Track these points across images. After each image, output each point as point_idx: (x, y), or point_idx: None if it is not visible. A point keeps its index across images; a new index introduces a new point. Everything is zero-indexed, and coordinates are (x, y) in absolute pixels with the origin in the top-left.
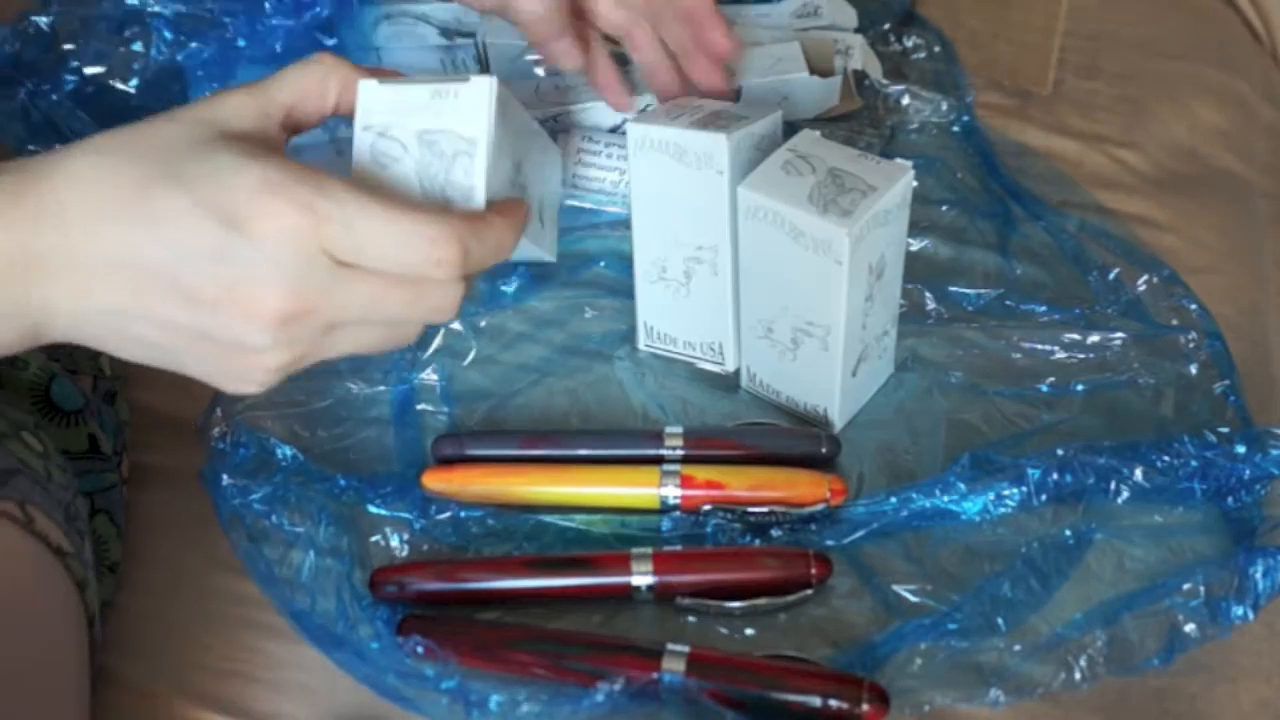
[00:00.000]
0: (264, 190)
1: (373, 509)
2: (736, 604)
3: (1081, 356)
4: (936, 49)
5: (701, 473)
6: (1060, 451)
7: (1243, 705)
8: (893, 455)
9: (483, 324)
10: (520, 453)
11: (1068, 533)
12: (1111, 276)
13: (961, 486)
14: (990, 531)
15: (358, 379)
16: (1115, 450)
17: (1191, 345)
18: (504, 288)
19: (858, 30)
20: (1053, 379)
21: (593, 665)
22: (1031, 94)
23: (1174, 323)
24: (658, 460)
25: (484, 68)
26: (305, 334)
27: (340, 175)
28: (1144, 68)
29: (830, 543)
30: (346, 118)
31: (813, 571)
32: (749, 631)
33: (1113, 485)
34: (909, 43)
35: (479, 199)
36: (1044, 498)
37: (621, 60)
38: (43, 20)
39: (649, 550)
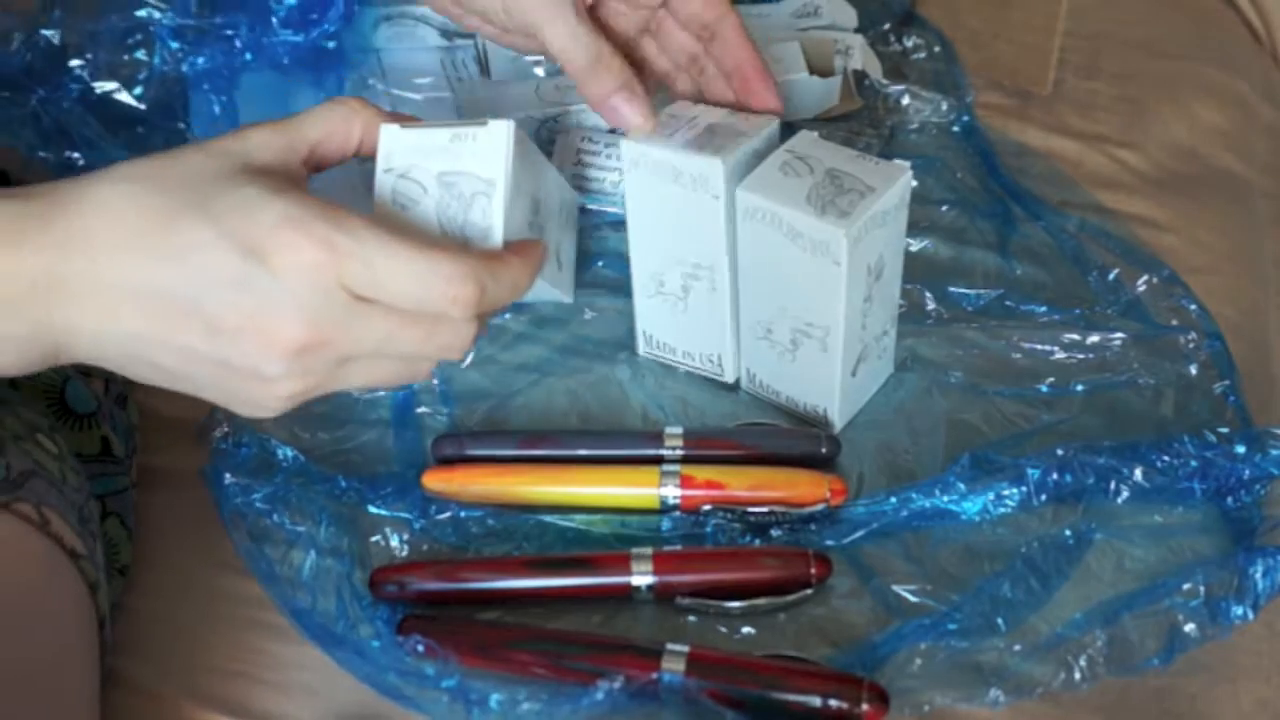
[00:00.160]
0: (285, 225)
1: (373, 509)
2: (736, 604)
3: (1081, 357)
4: (936, 49)
5: (701, 473)
6: (1060, 451)
7: (1243, 705)
8: (893, 455)
9: None
10: (520, 453)
11: (1068, 533)
12: (1111, 277)
13: (961, 486)
14: (990, 531)
15: None
16: (1115, 450)
17: (1191, 345)
18: None
19: (858, 30)
20: (1053, 379)
21: (592, 665)
22: (1031, 94)
23: (1174, 323)
24: (657, 460)
25: (484, 68)
26: (320, 365)
27: (362, 211)
28: (1144, 68)
29: (830, 543)
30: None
31: (812, 571)
32: (749, 631)
33: (1113, 485)
34: (909, 43)
35: (496, 239)
36: (1044, 498)
37: None
38: (52, 34)
39: (649, 550)
